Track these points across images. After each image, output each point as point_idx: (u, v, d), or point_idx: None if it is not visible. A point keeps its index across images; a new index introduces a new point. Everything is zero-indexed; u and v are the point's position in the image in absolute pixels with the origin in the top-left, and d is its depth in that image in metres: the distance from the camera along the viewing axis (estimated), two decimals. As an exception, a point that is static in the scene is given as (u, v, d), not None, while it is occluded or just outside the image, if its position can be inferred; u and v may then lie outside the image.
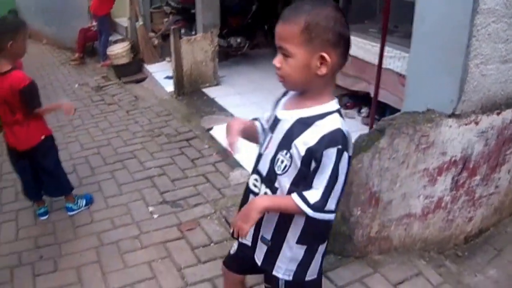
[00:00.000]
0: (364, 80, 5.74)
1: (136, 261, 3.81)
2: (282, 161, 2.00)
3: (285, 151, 1.99)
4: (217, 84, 7.63)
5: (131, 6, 9.71)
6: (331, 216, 1.99)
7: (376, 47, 5.18)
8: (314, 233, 2.13)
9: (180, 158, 5.45)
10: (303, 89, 1.98)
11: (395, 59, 5.07)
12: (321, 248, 2.22)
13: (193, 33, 8.08)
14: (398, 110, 4.23)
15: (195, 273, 3.60)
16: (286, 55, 1.85)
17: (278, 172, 2.02)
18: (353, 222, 3.41)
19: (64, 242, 4.14)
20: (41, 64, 10.75)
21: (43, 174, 4.30)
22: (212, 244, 3.93)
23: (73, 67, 10.59)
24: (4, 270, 3.82)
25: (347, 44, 1.89)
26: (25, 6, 14.99)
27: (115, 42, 9.71)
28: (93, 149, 5.87)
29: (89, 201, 4.68)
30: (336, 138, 1.89)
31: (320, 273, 2.33)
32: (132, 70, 9.01)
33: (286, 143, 1.98)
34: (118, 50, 9.06)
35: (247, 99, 7.02)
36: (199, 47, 7.31)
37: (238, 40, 8.62)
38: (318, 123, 1.92)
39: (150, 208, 4.53)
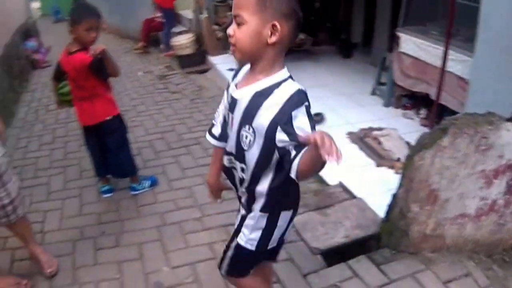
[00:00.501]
0: (425, 82, 5.79)
1: (198, 242, 3.96)
2: (246, 137, 2.14)
3: (247, 127, 2.12)
4: (281, 80, 7.68)
5: (196, -1, 10.01)
6: None
7: (438, 49, 5.27)
8: (276, 201, 2.31)
9: (243, 148, 5.59)
10: (253, 58, 2.09)
11: (456, 62, 5.11)
12: (284, 216, 2.39)
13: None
14: (456, 113, 4.31)
15: (254, 257, 3.75)
16: (241, 23, 1.99)
17: (245, 147, 2.17)
18: (410, 218, 3.49)
19: (127, 219, 4.33)
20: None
21: (107, 153, 4.50)
22: (270, 231, 4.06)
23: (137, 56, 10.91)
24: (67, 242, 4.03)
25: (298, 21, 2.03)
26: None
27: (179, 33, 9.97)
28: (157, 134, 6.09)
29: (154, 183, 4.87)
30: (301, 98, 2.02)
31: (281, 242, 2.54)
32: (195, 61, 9.25)
33: (247, 118, 2.11)
34: (183, 41, 9.32)
35: (310, 94, 6.94)
36: (263, 41, 7.42)
37: (301, 36, 8.68)
38: (276, 91, 2.06)
39: (214, 193, 4.70)
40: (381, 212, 3.84)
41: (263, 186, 2.26)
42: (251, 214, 2.39)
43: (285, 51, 2.12)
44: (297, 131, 1.94)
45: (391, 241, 3.65)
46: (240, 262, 2.61)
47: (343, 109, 6.40)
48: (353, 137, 5.50)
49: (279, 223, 2.41)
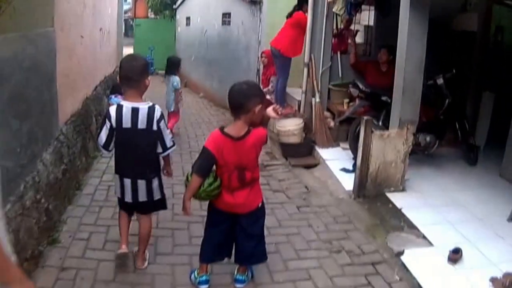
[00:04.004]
0: None
1: None
2: None
3: None
4: (402, 190, 6.47)
5: (309, 79, 8.89)
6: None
7: None
8: None
9: (366, 291, 4.34)
10: None
11: None
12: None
13: (380, 123, 7.03)
14: None
15: None
16: None
17: None
18: None
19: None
20: (196, 119, 10.14)
21: (247, 240, 4.13)
22: None
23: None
24: None
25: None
26: (183, 54, 14.80)
27: (286, 116, 8.79)
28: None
29: (253, 275, 4.46)
30: None
31: (120, 199, 4.52)
32: (301, 152, 8.06)
33: None
34: (290, 127, 8.15)
35: (440, 215, 5.85)
36: (391, 145, 6.23)
37: (428, 138, 7.31)
38: None
39: None
40: None
41: None
42: None
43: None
44: None
45: None
46: None
47: (480, 241, 5.24)
48: (497, 286, 4.49)
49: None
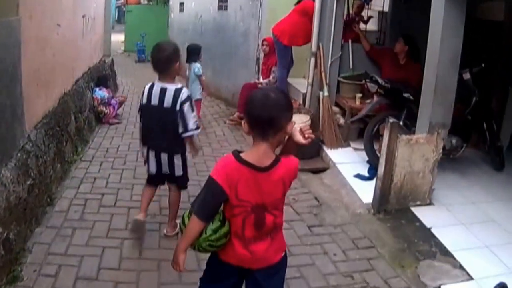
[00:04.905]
0: None
1: None
2: None
3: None
4: (429, 203, 5.58)
5: (316, 70, 7.94)
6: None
7: None
8: None
9: None
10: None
11: None
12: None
13: (401, 123, 6.10)
14: None
15: None
16: None
17: None
18: None
19: None
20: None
21: None
22: None
23: (230, 130, 9.09)
24: None
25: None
26: (176, 41, 13.95)
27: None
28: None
29: None
30: None
31: (149, 172, 4.83)
32: (307, 153, 7.08)
33: None
34: (296, 124, 7.12)
35: (475, 236, 4.99)
36: (419, 152, 5.32)
37: (454, 141, 6.42)
38: None
39: None
40: None
41: None
42: None
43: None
44: None
45: None
46: None
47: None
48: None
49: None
